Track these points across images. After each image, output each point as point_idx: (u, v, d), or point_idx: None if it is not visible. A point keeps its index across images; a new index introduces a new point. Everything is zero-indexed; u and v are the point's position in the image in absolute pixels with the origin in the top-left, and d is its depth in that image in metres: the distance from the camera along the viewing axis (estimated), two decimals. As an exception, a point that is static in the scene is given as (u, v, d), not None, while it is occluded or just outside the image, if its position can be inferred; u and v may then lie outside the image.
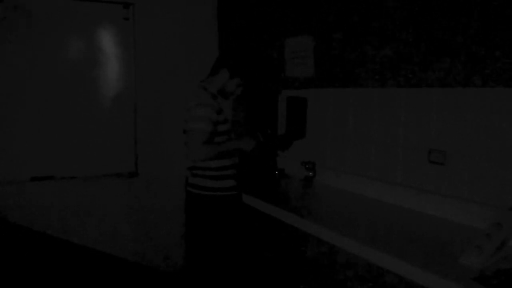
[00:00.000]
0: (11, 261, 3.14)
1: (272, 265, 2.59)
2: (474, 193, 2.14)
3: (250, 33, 3.72)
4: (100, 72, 3.61)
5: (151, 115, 3.75)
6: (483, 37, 2.07)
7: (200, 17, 3.97)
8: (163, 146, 3.77)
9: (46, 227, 3.40)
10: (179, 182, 3.21)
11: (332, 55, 2.96)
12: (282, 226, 2.50)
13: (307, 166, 3.15)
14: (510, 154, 1.99)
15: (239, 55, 2.66)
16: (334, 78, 2.97)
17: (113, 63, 3.65)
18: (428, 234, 2.05)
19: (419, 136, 2.41)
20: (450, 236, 2.02)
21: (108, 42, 3.64)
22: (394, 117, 2.55)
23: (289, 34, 3.29)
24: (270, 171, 3.31)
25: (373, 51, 2.68)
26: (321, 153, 3.12)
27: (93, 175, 3.58)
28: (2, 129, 3.33)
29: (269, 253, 2.61)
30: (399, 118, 2.52)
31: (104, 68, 3.62)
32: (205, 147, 2.43)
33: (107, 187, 3.65)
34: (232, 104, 3.68)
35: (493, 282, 1.52)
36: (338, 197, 2.75)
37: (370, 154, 2.73)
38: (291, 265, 2.42)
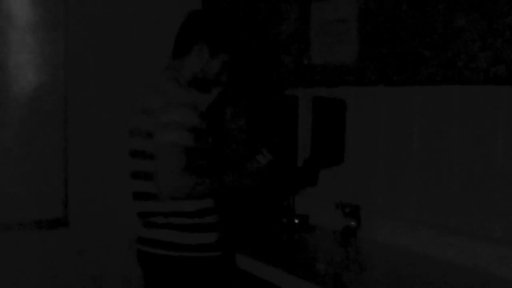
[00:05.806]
0: None
1: None
2: None
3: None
4: (8, 57, 2.93)
5: (91, 129, 3.16)
6: None
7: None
8: (109, 180, 3.25)
9: None
10: (130, 235, 2.66)
11: (390, 27, 2.52)
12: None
13: (346, 210, 2.77)
14: None
15: (221, 17, 2.38)
16: (391, 68, 2.58)
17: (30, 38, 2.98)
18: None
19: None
20: None
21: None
22: (492, 130, 2.19)
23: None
24: (284, 218, 2.96)
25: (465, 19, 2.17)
26: (369, 189, 2.78)
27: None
28: None
29: None
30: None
31: (13, 47, 2.94)
32: (185, 173, 2.05)
33: (21, 242, 3.13)
34: (229, 110, 3.18)
35: None
36: (397, 262, 2.39)
37: (451, 191, 2.37)
38: None
